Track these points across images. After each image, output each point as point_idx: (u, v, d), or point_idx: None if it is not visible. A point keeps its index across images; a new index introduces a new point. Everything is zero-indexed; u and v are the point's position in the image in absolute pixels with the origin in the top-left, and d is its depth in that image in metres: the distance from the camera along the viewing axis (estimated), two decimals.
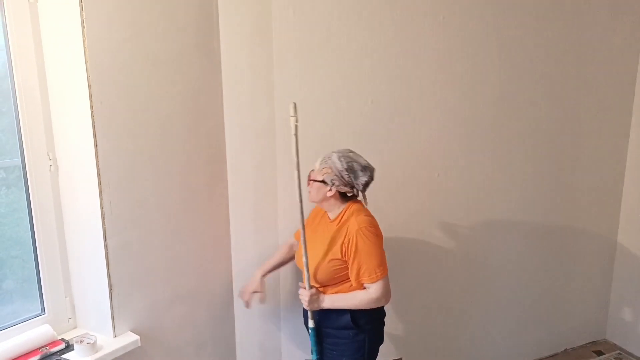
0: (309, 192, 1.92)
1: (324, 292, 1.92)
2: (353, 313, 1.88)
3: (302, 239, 1.86)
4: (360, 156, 1.88)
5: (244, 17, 2.01)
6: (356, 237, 1.80)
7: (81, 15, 1.61)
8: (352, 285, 1.86)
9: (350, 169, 1.84)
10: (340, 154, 1.86)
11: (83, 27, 1.61)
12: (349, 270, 1.84)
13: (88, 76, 1.65)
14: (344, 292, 1.89)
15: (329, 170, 1.85)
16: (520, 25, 2.59)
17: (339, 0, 2.15)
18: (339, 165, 1.83)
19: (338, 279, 1.89)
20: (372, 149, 2.27)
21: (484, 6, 2.48)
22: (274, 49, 2.07)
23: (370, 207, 1.94)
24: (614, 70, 2.94)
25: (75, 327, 1.93)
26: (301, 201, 1.82)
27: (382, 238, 1.86)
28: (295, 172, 1.79)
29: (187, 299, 2.08)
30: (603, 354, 3.21)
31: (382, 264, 1.82)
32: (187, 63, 1.94)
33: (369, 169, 1.87)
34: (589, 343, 3.32)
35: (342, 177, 1.84)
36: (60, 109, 1.76)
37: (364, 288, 1.85)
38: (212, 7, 1.98)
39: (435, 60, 2.41)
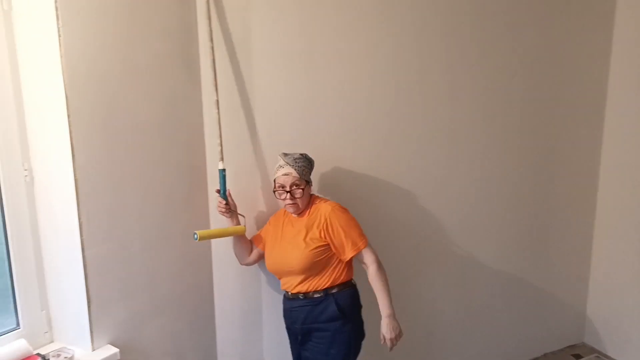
0: (294, 204, 1.95)
1: (310, 279, 1.98)
2: (338, 302, 1.96)
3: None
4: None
5: (223, 24, 2.01)
6: (334, 217, 1.94)
7: (57, 24, 1.59)
8: (336, 269, 1.98)
9: (307, 159, 1.99)
10: (296, 154, 1.97)
11: (59, 35, 1.60)
12: (341, 247, 1.95)
13: (65, 85, 1.63)
14: (330, 274, 1.98)
15: (306, 170, 1.97)
16: (497, 35, 2.65)
17: (317, 9, 2.17)
18: (310, 160, 2.00)
19: (320, 264, 1.96)
20: (353, 154, 2.30)
21: (460, 16, 2.52)
22: (253, 56, 2.07)
23: (356, 209, 2.05)
24: (586, 78, 3.01)
25: (52, 341, 1.89)
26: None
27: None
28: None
29: (168, 310, 2.05)
30: (581, 357, 3.26)
31: (362, 232, 2.00)
32: (166, 72, 1.92)
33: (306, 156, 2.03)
34: (568, 347, 3.37)
35: (311, 169, 2.01)
36: (36, 119, 1.73)
37: (347, 267, 2.00)
38: (191, 15, 1.97)
39: (412, 68, 2.44)
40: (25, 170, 1.76)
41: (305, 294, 1.98)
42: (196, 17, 1.98)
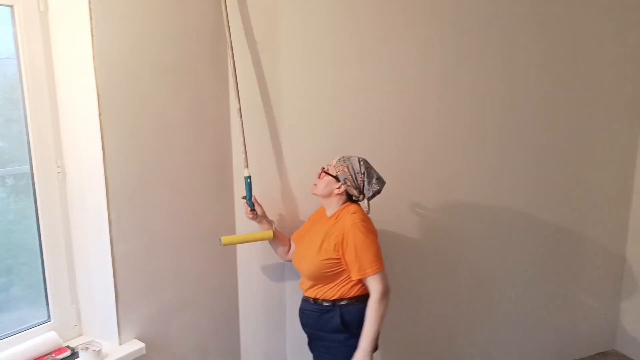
0: (315, 184, 1.96)
1: (319, 287, 1.93)
2: (344, 315, 1.89)
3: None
4: (374, 168, 1.95)
5: (252, 25, 2.02)
6: (351, 234, 1.82)
7: (90, 25, 1.62)
8: (347, 283, 1.88)
9: (367, 174, 1.90)
10: (360, 158, 1.92)
11: (92, 36, 1.63)
12: (350, 266, 1.85)
13: (97, 85, 1.66)
14: (339, 287, 1.90)
15: (345, 169, 1.89)
16: (525, 29, 2.58)
17: (343, 10, 2.16)
18: (357, 167, 1.89)
19: (329, 276, 1.90)
20: (380, 155, 2.27)
21: (488, 11, 2.47)
22: (281, 57, 2.08)
23: (371, 210, 1.97)
24: (624, 76, 2.92)
25: (81, 334, 1.93)
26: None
27: (376, 234, 1.91)
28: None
29: (193, 306, 2.08)
30: None
31: (378, 258, 1.84)
32: (195, 72, 1.95)
33: (381, 181, 1.94)
34: (598, 354, 3.28)
35: (355, 178, 1.89)
36: (69, 117, 1.77)
37: (361, 282, 1.88)
38: (220, 16, 1.99)
39: (445, 66, 2.41)
40: (58, 167, 1.80)
41: (315, 300, 1.96)
42: (227, 17, 1.99)
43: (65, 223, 1.85)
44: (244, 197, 2.03)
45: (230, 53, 1.96)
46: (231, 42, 1.96)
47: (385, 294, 1.85)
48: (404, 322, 2.59)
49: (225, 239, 1.99)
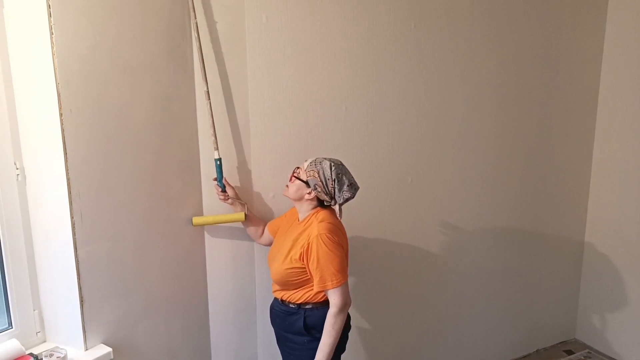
0: (287, 186, 1.95)
1: (285, 290, 1.93)
2: (307, 319, 1.89)
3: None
4: (349, 172, 1.91)
5: (217, 24, 2.00)
6: (315, 243, 1.79)
7: (49, 22, 1.58)
8: (313, 289, 1.86)
9: (337, 180, 1.85)
10: (332, 163, 1.86)
11: (51, 33, 1.58)
12: (312, 276, 1.83)
13: (57, 83, 1.61)
14: (304, 293, 1.88)
15: (316, 175, 1.85)
16: (489, 34, 2.66)
17: (311, 8, 2.16)
18: (328, 173, 1.84)
19: (294, 283, 1.89)
20: (345, 154, 2.29)
21: (453, 15, 2.53)
22: (247, 56, 2.07)
23: (343, 211, 1.95)
24: (578, 77, 3.04)
25: (45, 341, 1.88)
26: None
27: (343, 245, 1.86)
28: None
29: (161, 309, 2.05)
30: (573, 353, 3.29)
31: (340, 271, 1.80)
32: (159, 70, 1.91)
33: (354, 187, 1.89)
34: (560, 343, 3.40)
35: (326, 184, 1.85)
36: (28, 117, 1.72)
37: (323, 293, 1.85)
38: (185, 14, 1.96)
39: (407, 67, 2.45)
40: (17, 168, 1.75)
41: (282, 301, 1.96)
42: (190, 15, 1.97)
43: (26, 226, 1.79)
44: (215, 179, 2.03)
45: (196, 35, 1.94)
46: (197, 23, 1.94)
47: (344, 308, 1.82)
48: (379, 315, 2.62)
49: (196, 219, 2.04)
